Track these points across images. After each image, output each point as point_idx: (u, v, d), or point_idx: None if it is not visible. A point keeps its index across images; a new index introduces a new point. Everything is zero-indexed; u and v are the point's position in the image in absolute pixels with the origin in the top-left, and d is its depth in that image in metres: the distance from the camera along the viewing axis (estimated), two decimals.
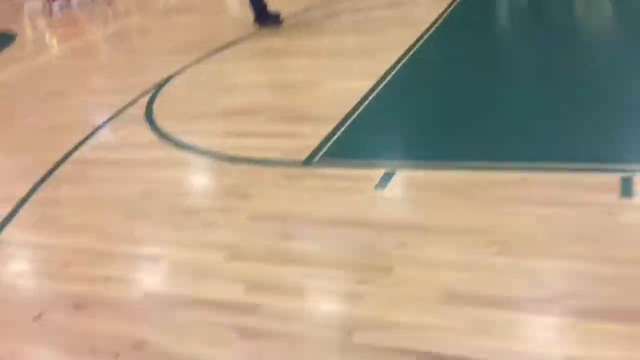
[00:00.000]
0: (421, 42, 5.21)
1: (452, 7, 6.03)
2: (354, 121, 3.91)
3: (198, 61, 5.82)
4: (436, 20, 5.70)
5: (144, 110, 4.79)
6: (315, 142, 3.70)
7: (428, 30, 5.48)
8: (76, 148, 4.29)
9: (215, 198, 3.28)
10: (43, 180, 3.88)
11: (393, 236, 2.70)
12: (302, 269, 2.60)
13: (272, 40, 6.12)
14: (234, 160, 3.68)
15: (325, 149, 3.61)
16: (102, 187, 3.66)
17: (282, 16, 6.64)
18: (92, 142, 4.39)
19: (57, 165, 4.07)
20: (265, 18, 6.62)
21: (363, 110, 4.05)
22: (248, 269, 2.68)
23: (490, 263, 2.41)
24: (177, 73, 5.57)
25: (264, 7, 6.63)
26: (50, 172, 3.97)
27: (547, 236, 2.51)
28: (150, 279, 2.73)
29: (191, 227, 3.06)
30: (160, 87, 5.28)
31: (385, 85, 4.40)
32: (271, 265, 2.67)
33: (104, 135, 4.49)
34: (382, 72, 4.64)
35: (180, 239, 2.98)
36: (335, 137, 3.74)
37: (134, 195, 3.48)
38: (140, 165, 3.85)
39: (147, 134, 4.31)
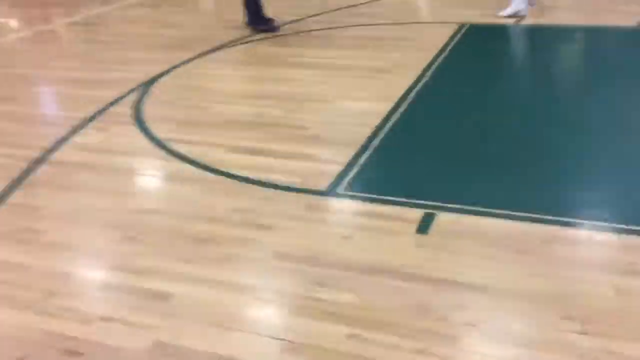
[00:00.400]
0: (435, 65, 4.89)
1: (461, 33, 5.75)
2: (378, 148, 3.53)
3: (188, 61, 5.34)
4: (446, 45, 5.40)
5: (131, 110, 4.29)
6: (335, 169, 3.31)
7: (439, 54, 5.17)
8: (56, 146, 3.76)
9: (229, 225, 2.83)
10: (17, 182, 3.35)
11: (448, 295, 2.33)
12: (345, 328, 2.19)
13: (268, 47, 5.70)
14: (244, 180, 3.24)
15: (348, 178, 3.22)
16: (90, 197, 3.16)
17: (277, 22, 6.25)
18: (75, 140, 3.86)
19: (34, 165, 3.54)
20: (259, 21, 6.21)
21: (386, 136, 3.68)
22: (281, 322, 2.25)
23: (575, 344, 2.06)
24: (166, 72, 5.08)
25: (259, 9, 6.22)
26: (26, 173, 3.44)
27: (636, 314, 2.18)
28: (159, 324, 2.26)
29: (204, 259, 2.60)
30: (147, 85, 4.78)
31: (406, 110, 4.05)
32: (309, 320, 2.25)
33: (88, 134, 3.96)
34: (398, 95, 4.29)
35: (192, 272, 2.52)
36: (358, 165, 3.36)
37: (130, 212, 3.00)
38: (135, 174, 3.37)
39: (139, 138, 3.82)
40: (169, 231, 2.82)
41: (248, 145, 3.65)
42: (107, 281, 2.50)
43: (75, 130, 4.00)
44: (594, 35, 5.66)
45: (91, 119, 4.17)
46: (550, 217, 2.77)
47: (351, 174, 3.26)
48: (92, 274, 2.55)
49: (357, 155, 3.45)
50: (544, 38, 5.74)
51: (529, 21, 6.04)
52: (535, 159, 3.34)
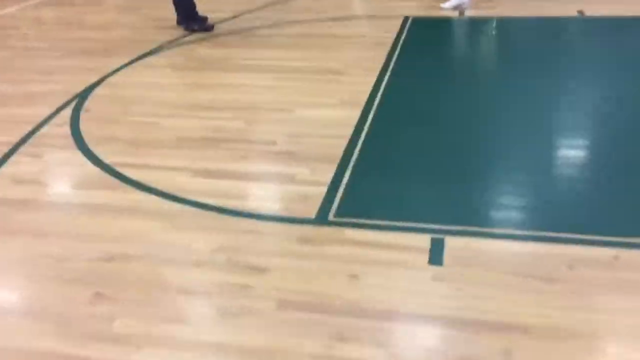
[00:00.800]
0: (391, 64, 4.62)
1: (407, 28, 5.51)
2: (358, 164, 3.22)
3: (121, 67, 4.83)
4: (396, 41, 5.15)
5: (68, 130, 3.77)
6: (318, 191, 2.98)
7: (392, 51, 4.91)
8: None
9: (215, 269, 2.45)
10: None
11: (488, 340, 2.06)
12: None
13: (208, 49, 5.26)
14: (218, 210, 2.86)
15: (336, 201, 2.90)
16: (40, 244, 2.68)
17: (210, 21, 5.81)
18: (5, 171, 3.33)
19: None
20: (192, 21, 5.74)
21: (363, 148, 3.38)
22: None
23: None
24: (99, 81, 4.56)
25: (193, 7, 5.75)
26: None
27: None
28: None
29: (198, 317, 2.22)
30: (81, 98, 4.26)
31: (376, 117, 3.76)
32: None
33: (21, 162, 3.42)
34: (363, 99, 4.00)
35: (186, 337, 2.13)
36: (343, 184, 3.04)
37: (93, 260, 2.55)
38: (88, 210, 2.90)
39: (83, 165, 3.34)
40: (146, 283, 2.40)
41: (213, 167, 3.25)
42: (85, 357, 2.07)
43: (4, 159, 3.45)
44: (539, 25, 5.56)
45: (21, 143, 3.63)
46: (570, 236, 2.56)
47: (338, 197, 2.94)
48: (64, 349, 2.10)
49: (339, 173, 3.13)
50: (490, 30, 5.60)
51: (472, 13, 5.89)
52: (536, 165, 3.12)
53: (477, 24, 5.71)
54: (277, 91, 4.27)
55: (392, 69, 4.56)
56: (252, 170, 3.23)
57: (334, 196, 2.94)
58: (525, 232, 2.60)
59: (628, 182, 2.97)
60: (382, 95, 4.09)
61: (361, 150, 3.36)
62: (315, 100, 4.08)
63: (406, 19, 5.76)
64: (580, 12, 5.73)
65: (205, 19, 5.81)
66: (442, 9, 6.01)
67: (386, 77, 4.39)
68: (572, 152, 3.29)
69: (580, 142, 3.40)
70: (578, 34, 5.40)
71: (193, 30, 5.68)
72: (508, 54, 5.03)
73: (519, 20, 5.64)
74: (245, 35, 5.57)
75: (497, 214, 2.76)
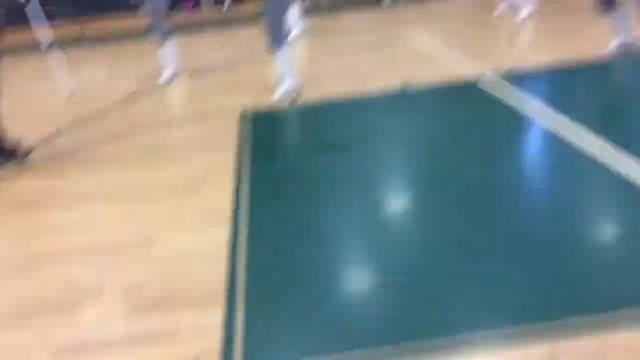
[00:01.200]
0: (244, 170, 4.25)
1: (248, 124, 5.23)
2: (249, 300, 2.79)
3: None
4: (241, 141, 4.82)
5: None
6: (211, 344, 2.51)
7: (240, 154, 4.54)
8: None
9: None
10: None
11: None
12: None
13: (30, 182, 4.56)
14: None
15: (236, 352, 2.45)
16: None
17: (24, 146, 5.05)
18: None
19: None
20: (2, 150, 4.95)
21: (248, 278, 2.96)
22: None
23: None
24: None
25: (1, 132, 4.96)
26: None
27: None
28: None
29: None
30: None
31: (249, 235, 3.35)
32: None
33: None
34: (226, 217, 3.59)
35: None
36: (237, 329, 2.59)
37: None
38: None
39: None
40: None
41: (69, 344, 2.64)
42: None
43: None
44: (366, 102, 5.55)
45: None
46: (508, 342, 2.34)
47: (236, 350, 2.48)
48: None
49: (229, 315, 2.69)
50: (328, 112, 5.48)
51: (304, 96, 5.80)
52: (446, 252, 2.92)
53: (313, 108, 5.59)
54: (129, 221, 3.73)
55: (248, 172, 4.21)
56: (119, 328, 2.67)
57: (232, 351, 2.48)
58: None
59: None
60: (248, 204, 3.72)
61: (246, 282, 2.93)
62: (176, 225, 3.60)
63: (244, 114, 5.50)
64: (406, 83, 5.81)
65: (16, 144, 5.03)
66: (276, 98, 5.85)
67: (244, 183, 4.03)
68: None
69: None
70: (414, 105, 5.45)
71: (4, 161, 4.91)
72: (360, 136, 4.89)
73: (359, 100, 5.61)
74: (70, 158, 4.95)
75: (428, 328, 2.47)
